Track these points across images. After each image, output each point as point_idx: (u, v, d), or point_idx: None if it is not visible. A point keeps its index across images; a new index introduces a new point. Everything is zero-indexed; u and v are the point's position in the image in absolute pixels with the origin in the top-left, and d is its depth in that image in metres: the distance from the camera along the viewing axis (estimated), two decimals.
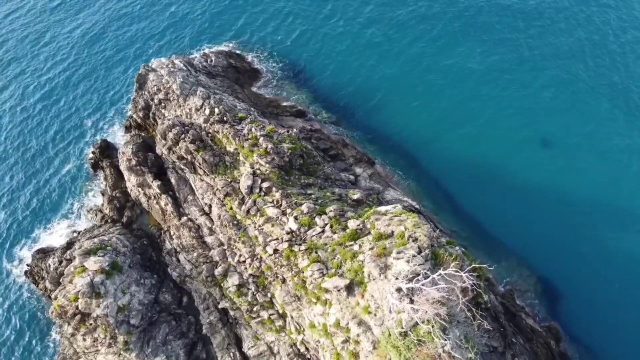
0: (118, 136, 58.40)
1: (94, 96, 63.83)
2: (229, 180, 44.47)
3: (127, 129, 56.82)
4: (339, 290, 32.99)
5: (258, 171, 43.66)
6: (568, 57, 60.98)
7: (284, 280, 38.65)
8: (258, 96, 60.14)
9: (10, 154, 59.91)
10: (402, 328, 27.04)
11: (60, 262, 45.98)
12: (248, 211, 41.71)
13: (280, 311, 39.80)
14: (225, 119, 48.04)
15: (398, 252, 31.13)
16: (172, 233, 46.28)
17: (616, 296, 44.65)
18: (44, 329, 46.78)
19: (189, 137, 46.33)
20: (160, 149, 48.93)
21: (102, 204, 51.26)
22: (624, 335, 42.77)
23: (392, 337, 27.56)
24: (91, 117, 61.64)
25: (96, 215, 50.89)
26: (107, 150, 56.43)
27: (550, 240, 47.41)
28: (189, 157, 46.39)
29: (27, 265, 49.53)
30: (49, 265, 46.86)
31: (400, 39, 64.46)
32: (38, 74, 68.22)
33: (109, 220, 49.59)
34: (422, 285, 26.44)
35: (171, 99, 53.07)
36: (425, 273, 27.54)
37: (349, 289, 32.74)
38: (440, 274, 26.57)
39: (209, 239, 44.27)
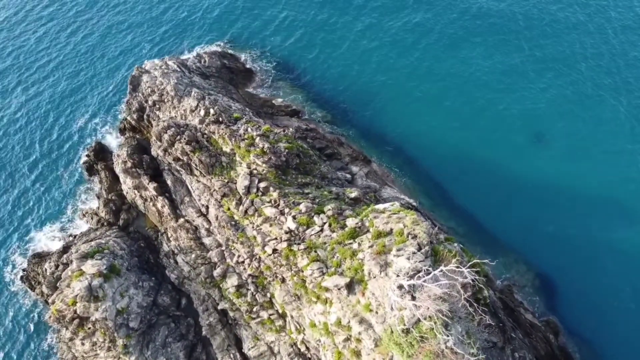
0: (112, 139, 58.09)
1: (87, 99, 63.41)
2: (226, 180, 44.32)
3: (121, 131, 56.52)
4: (339, 289, 32.97)
5: (255, 171, 43.56)
6: (567, 56, 61.24)
7: (283, 280, 38.58)
8: (252, 96, 60.02)
9: (3, 159, 59.34)
10: (405, 325, 27.05)
11: (57, 266, 45.64)
12: (246, 211, 41.60)
13: (280, 311, 39.73)
14: (220, 119, 47.87)
15: (398, 250, 31.15)
16: (169, 235, 46.07)
17: (612, 290, 45.05)
18: (41, 334, 46.39)
19: (184, 139, 46.13)
20: (156, 150, 48.67)
21: (98, 207, 50.92)
22: (621, 327, 43.15)
23: (394, 334, 27.57)
24: (84, 120, 61.23)
25: (92, 218, 50.53)
26: (102, 153, 56.10)
27: (547, 236, 47.72)
28: (185, 158, 46.18)
29: (23, 270, 49.17)
30: (46, 269, 46.50)
31: (397, 38, 64.57)
32: (29, 77, 67.65)
33: (105, 224, 49.26)
34: (424, 281, 26.47)
35: (165, 100, 52.83)
36: (427, 269, 27.58)
37: (350, 287, 32.74)
38: (441, 270, 26.61)
39: (206, 240, 44.11)
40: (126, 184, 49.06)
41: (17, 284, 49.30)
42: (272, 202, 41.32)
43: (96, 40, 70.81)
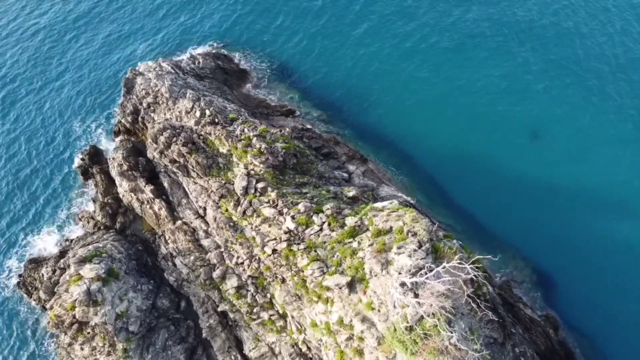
0: (107, 142, 57.68)
1: (80, 102, 62.90)
2: (223, 182, 44.16)
3: (116, 134, 56.11)
4: (340, 288, 32.96)
5: (252, 172, 43.45)
6: (567, 56, 61.42)
7: (283, 280, 38.48)
8: (247, 97, 59.86)
9: None
10: (408, 322, 27.09)
11: (54, 271, 45.28)
12: (244, 212, 41.46)
13: (281, 311, 39.63)
14: (216, 120, 47.72)
15: (399, 247, 31.20)
16: (167, 237, 45.83)
17: (610, 284, 45.25)
18: (39, 340, 45.94)
19: (180, 140, 45.91)
20: (152, 153, 48.42)
21: (94, 211, 50.52)
22: (620, 321, 43.38)
23: (397, 332, 27.59)
24: (78, 123, 60.71)
25: (88, 222, 50.14)
26: (97, 157, 55.69)
27: (544, 232, 47.86)
28: (181, 160, 45.96)
29: (19, 275, 48.68)
30: (42, 275, 46.13)
31: (390, 37, 64.55)
32: (22, 82, 67.02)
33: (102, 227, 48.90)
34: (427, 278, 26.51)
35: (160, 102, 52.56)
36: (430, 266, 27.61)
37: (351, 286, 32.75)
38: (444, 267, 26.66)
39: (205, 242, 43.93)
40: (122, 187, 48.74)
41: (13, 290, 48.80)
42: (271, 202, 41.22)
43: (87, 43, 70.23)
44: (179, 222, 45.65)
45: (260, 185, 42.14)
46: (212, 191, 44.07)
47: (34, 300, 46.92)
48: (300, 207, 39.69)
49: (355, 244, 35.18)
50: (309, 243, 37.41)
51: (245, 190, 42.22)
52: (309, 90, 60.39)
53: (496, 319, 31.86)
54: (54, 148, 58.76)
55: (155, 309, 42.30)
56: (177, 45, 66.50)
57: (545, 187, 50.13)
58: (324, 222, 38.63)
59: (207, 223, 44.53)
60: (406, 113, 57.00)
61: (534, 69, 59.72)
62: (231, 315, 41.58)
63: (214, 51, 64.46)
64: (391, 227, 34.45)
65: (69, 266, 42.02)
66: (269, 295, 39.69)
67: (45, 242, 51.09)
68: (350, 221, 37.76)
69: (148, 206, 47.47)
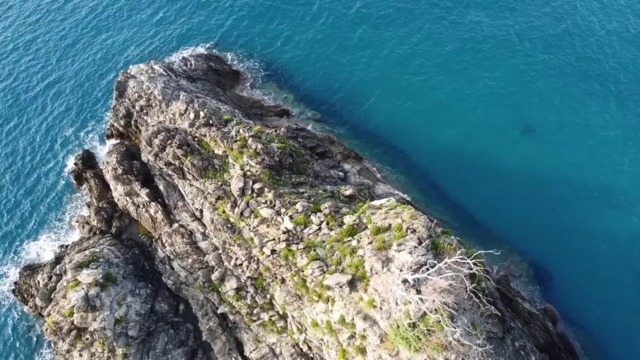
0: (100, 146, 57.18)
1: (72, 107, 62.26)
2: (220, 183, 43.96)
3: (109, 138, 55.67)
4: (341, 287, 32.95)
5: (249, 172, 43.29)
6: (555, 46, 61.97)
7: (283, 281, 38.40)
8: (241, 98, 59.63)
9: None
10: (411, 319, 27.14)
11: (50, 277, 44.86)
12: (242, 213, 41.32)
13: (281, 312, 39.55)
14: (211, 122, 47.49)
15: (399, 245, 31.24)
16: (164, 241, 45.53)
17: (605, 274, 45.87)
18: (36, 347, 45.44)
19: (175, 143, 45.63)
20: (146, 156, 48.07)
21: (89, 216, 50.05)
22: (617, 311, 43.89)
23: (400, 329, 27.63)
24: (70, 128, 60.09)
25: (83, 227, 49.63)
26: (90, 161, 55.24)
27: (540, 225, 48.36)
28: (176, 162, 45.67)
29: (15, 283, 48.06)
30: (38, 281, 45.64)
31: (383, 36, 64.67)
32: (11, 86, 66.21)
33: (98, 232, 48.46)
34: (429, 275, 26.56)
35: (153, 105, 52.24)
36: (432, 262, 27.67)
37: (351, 284, 32.76)
38: (446, 263, 26.73)
39: (202, 244, 43.72)
40: (117, 191, 48.36)
41: (9, 298, 48.20)
42: (268, 202, 41.12)
43: (78, 46, 69.51)
44: (175, 225, 45.38)
45: (257, 185, 42.01)
46: (208, 193, 43.87)
47: (30, 307, 46.34)
48: (298, 206, 39.63)
49: (354, 243, 35.19)
50: (308, 242, 37.37)
51: (242, 192, 42.07)
52: (303, 90, 60.31)
53: (499, 314, 31.98)
54: (46, 153, 58.10)
55: (154, 313, 42.04)
56: (168, 48, 66.04)
57: (540, 181, 50.59)
58: (322, 222, 38.61)
59: (204, 225, 44.32)
60: (400, 111, 57.19)
61: (527, 68, 60.17)
62: (231, 317, 41.44)
63: (206, 52, 64.14)
64: (390, 225, 34.49)
65: (65, 272, 41.65)
66: (268, 296, 39.60)
67: (40, 248, 50.55)
68: (348, 220, 37.79)
69: (144, 210, 47.14)
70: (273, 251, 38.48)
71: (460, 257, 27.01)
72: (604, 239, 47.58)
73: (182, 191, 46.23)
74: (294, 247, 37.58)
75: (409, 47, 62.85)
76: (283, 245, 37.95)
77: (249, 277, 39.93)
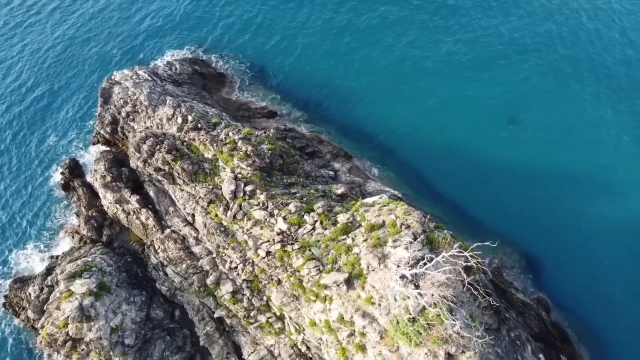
0: (86, 154, 56.45)
1: (56, 115, 61.35)
2: (211, 187, 43.76)
3: (95, 145, 55.04)
4: (338, 285, 33.03)
5: (239, 175, 43.17)
6: (544, 41, 62.72)
7: (279, 282, 38.34)
8: (227, 100, 59.41)
9: None
10: (410, 314, 27.32)
11: (42, 289, 44.15)
12: (234, 216, 41.18)
13: (278, 313, 39.49)
14: (199, 125, 47.24)
15: (394, 241, 31.42)
16: (156, 247, 45.17)
17: (595, 262, 46.65)
18: None
19: (164, 148, 45.32)
20: (135, 162, 47.65)
21: (79, 225, 49.42)
22: (607, 297, 44.68)
23: (400, 324, 27.80)
24: (55, 137, 59.21)
25: (73, 237, 48.99)
26: (77, 170, 54.48)
27: (530, 216, 48.95)
28: (166, 168, 45.37)
29: (5, 296, 47.24)
30: (30, 294, 44.90)
31: (370, 35, 64.94)
32: None
33: (88, 241, 47.85)
34: (426, 269, 26.77)
35: (139, 110, 51.76)
36: (430, 257, 27.89)
37: (349, 282, 32.85)
38: (444, 256, 26.97)
39: (196, 249, 43.45)
40: (106, 198, 47.83)
41: None
42: (261, 204, 41.06)
43: (60, 54, 68.55)
44: (167, 231, 45.05)
45: (248, 188, 41.91)
46: (200, 197, 43.64)
47: (22, 320, 45.57)
48: (291, 207, 39.64)
49: (349, 241, 35.31)
50: (303, 242, 37.40)
51: (234, 194, 41.94)
52: (290, 91, 60.27)
53: (495, 305, 32.36)
54: (31, 163, 57.12)
55: (149, 320, 41.67)
56: (152, 52, 65.46)
57: (528, 173, 51.30)
58: (316, 221, 38.69)
59: (196, 230, 44.06)
60: (387, 108, 57.47)
61: (512, 60, 61.01)
62: (228, 321, 41.26)
63: (190, 56, 63.75)
64: (384, 221, 34.66)
65: (57, 283, 41.07)
66: (265, 298, 39.50)
67: (30, 260, 49.63)
68: (342, 218, 37.89)
69: (134, 217, 46.69)
70: (268, 253, 38.42)
71: (457, 250, 27.23)
72: (593, 227, 48.41)
73: (173, 196, 45.91)
74: (289, 248, 37.57)
75: (396, 47, 63.31)
76: (278, 246, 37.92)
77: (244, 279, 39.79)
